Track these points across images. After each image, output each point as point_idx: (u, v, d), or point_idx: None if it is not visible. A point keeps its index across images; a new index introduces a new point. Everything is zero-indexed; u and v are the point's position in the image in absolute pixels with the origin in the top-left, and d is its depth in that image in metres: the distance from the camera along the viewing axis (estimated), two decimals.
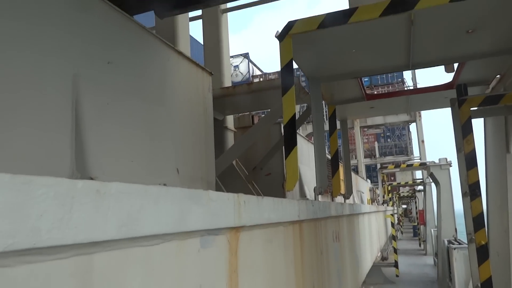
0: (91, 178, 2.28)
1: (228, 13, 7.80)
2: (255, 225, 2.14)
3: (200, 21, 7.75)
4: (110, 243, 1.07)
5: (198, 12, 7.78)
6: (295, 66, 3.85)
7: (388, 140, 44.42)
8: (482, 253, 4.24)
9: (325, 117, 6.14)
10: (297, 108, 6.29)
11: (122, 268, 1.14)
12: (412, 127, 36.24)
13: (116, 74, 2.86)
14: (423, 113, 28.27)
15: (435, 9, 3.26)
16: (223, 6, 7.60)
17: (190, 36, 6.50)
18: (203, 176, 3.90)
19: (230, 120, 7.17)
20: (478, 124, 5.52)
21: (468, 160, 4.40)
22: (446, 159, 16.50)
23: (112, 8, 3.01)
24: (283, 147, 3.68)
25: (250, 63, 40.67)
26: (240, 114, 7.78)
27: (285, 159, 3.55)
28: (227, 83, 7.38)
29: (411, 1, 3.20)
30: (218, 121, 6.59)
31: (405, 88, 35.89)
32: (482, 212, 4.32)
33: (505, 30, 3.83)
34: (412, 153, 40.08)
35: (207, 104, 4.13)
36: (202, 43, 7.95)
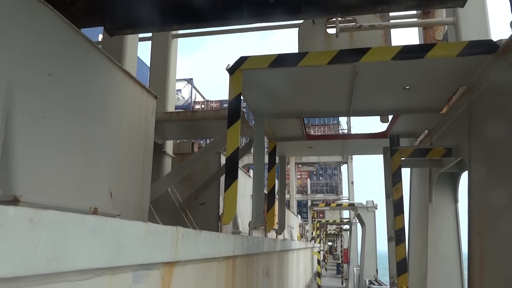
0: (15, 197, 2.09)
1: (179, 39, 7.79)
2: (191, 260, 2.07)
3: (149, 42, 7.64)
4: (37, 278, 0.97)
5: (148, 34, 7.68)
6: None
7: (320, 178, 45.93)
8: None
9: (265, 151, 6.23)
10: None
11: None
12: (344, 168, 37.83)
13: (56, 87, 2.70)
14: (354, 156, 29.65)
15: (378, 64, 3.49)
16: (174, 31, 7.57)
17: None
18: (137, 201, 3.74)
19: (169, 145, 7.02)
20: (405, 173, 5.88)
21: (396, 207, 4.64)
22: (372, 201, 17.33)
23: (59, 18, 2.88)
24: (221, 178, 3.66)
25: (193, 89, 40.58)
26: (180, 140, 7.65)
27: (225, 191, 3.51)
28: (171, 107, 7.27)
29: (358, 53, 3.40)
30: (157, 145, 6.43)
31: (340, 130, 37.62)
32: (406, 257, 4.53)
33: (435, 91, 4.18)
34: (341, 193, 41.62)
35: (149, 127, 4.02)
36: (148, 65, 7.82)
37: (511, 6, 3.17)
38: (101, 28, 3.89)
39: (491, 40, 3.26)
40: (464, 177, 4.83)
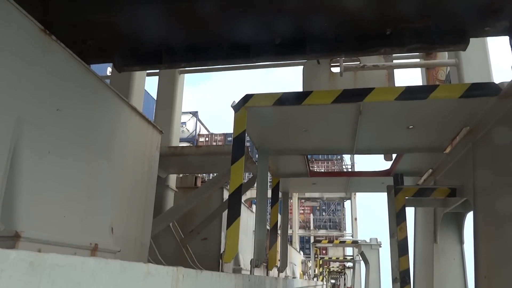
0: (16, 232, 2.08)
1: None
2: None
3: (156, 77, 7.79)
4: None
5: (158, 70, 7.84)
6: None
7: (323, 213, 45.40)
8: None
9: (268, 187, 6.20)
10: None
11: None
12: (347, 203, 37.48)
13: (63, 122, 2.74)
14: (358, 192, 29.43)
15: (382, 104, 3.52)
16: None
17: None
18: (138, 237, 3.71)
19: (172, 179, 7.01)
20: (409, 212, 5.81)
21: (400, 247, 4.56)
22: (376, 239, 17.02)
23: (70, 55, 2.96)
24: (223, 213, 3.64)
25: (198, 122, 40.92)
26: (183, 175, 7.65)
27: (227, 228, 3.48)
28: (175, 141, 7.32)
29: (361, 93, 3.44)
30: (160, 179, 6.42)
31: (344, 166, 37.50)
32: None
33: (439, 131, 4.19)
34: (345, 229, 41.02)
35: (153, 162, 4.03)
36: (155, 98, 7.94)
37: None
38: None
39: (494, 83, 3.30)
40: (470, 217, 4.77)
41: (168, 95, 7.46)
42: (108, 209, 3.02)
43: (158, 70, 7.76)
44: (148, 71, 7.31)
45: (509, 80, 3.09)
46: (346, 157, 40.23)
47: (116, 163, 3.25)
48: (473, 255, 3.75)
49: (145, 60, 3.79)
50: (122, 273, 1.31)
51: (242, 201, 9.55)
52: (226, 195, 6.93)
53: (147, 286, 1.51)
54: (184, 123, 39.46)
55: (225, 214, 5.84)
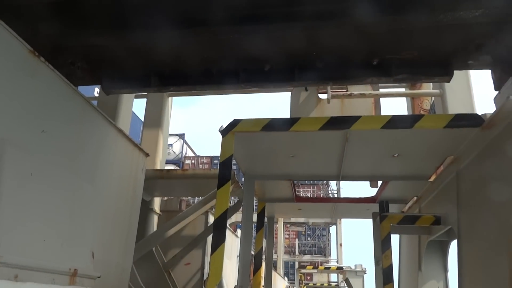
0: None
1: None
2: None
3: (144, 99, 7.78)
4: None
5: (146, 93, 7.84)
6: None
7: (309, 238, 45.10)
8: None
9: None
10: None
11: None
12: (332, 229, 37.40)
13: (48, 144, 2.70)
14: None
15: (368, 132, 3.57)
16: None
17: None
18: (120, 262, 3.62)
19: (157, 202, 6.92)
20: (394, 239, 5.81)
21: (385, 275, 4.54)
22: (361, 265, 16.92)
23: (58, 77, 2.94)
24: (207, 238, 3.59)
25: (184, 144, 40.78)
26: (168, 198, 7.56)
27: (211, 254, 3.42)
28: (161, 164, 7.26)
29: (348, 121, 3.48)
30: (145, 202, 6.33)
31: (329, 191, 37.57)
32: None
33: (424, 159, 4.25)
34: (329, 255, 40.73)
35: (138, 185, 3.98)
36: (142, 119, 7.90)
37: (493, 84, 3.33)
38: None
39: (477, 114, 3.38)
40: (454, 246, 4.79)
41: (155, 118, 7.44)
42: (90, 233, 2.95)
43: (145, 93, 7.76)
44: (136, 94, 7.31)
45: (492, 111, 3.16)
46: (332, 182, 40.37)
47: (100, 186, 3.20)
48: (457, 283, 3.75)
49: (133, 83, 3.79)
50: None
51: (228, 224, 9.45)
52: (211, 219, 6.84)
53: None
54: (171, 145, 39.27)
55: (209, 239, 5.75)
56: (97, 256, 3.09)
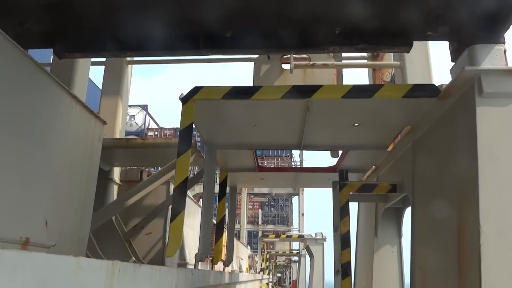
0: None
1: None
2: None
3: (103, 66, 7.46)
4: None
5: (102, 58, 7.50)
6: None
7: (272, 209, 46.00)
8: None
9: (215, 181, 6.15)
10: (189, 168, 6.20)
11: None
12: (295, 199, 38.23)
13: None
14: (305, 188, 30.09)
15: (329, 102, 3.59)
16: (129, 58, 7.46)
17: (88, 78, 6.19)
18: (76, 231, 3.53)
19: (116, 172, 6.77)
20: (353, 207, 6.00)
21: (343, 240, 4.70)
22: (322, 233, 17.50)
23: (5, 39, 2.75)
24: (169, 207, 3.57)
25: (147, 115, 39.96)
26: (128, 167, 7.41)
27: (170, 222, 3.40)
28: (121, 134, 7.07)
29: (310, 90, 3.48)
30: (104, 172, 6.18)
31: (293, 162, 38.16)
32: None
33: (382, 129, 4.35)
34: (292, 224, 41.81)
35: (95, 153, 3.86)
36: (100, 88, 7.62)
37: (451, 55, 3.40)
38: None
39: (434, 85, 3.46)
40: (408, 212, 5.00)
41: (114, 86, 7.17)
42: (43, 201, 2.85)
43: (104, 60, 7.45)
44: (93, 60, 6.99)
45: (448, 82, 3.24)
46: (296, 154, 41.01)
47: (52, 153, 3.07)
48: (410, 248, 3.94)
49: (88, 47, 3.60)
50: (48, 267, 1.22)
51: (191, 196, 9.43)
52: (172, 189, 6.79)
53: (78, 281, 1.43)
54: (133, 116, 38.38)
55: (171, 209, 5.73)
56: (51, 224, 3.00)
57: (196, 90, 3.60)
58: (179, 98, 3.63)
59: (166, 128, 40.13)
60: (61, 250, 2.95)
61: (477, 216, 2.50)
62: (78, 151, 3.51)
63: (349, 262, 4.70)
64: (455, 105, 3.13)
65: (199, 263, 4.59)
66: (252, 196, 38.24)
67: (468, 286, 2.65)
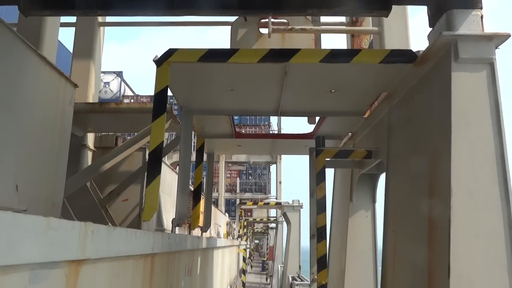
0: None
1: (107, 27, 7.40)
2: (102, 258, 1.93)
3: (73, 28, 7.14)
4: None
5: (73, 19, 7.17)
6: (169, 93, 3.76)
7: (250, 177, 46.39)
8: None
9: (192, 148, 6.11)
10: (166, 135, 6.14)
11: None
12: (273, 168, 38.61)
13: None
14: (283, 156, 30.35)
15: (307, 66, 3.55)
16: (101, 19, 7.15)
17: (59, 41, 5.94)
18: (48, 196, 3.46)
19: (90, 138, 6.63)
20: (329, 173, 6.08)
21: (319, 205, 4.77)
22: (298, 201, 17.82)
23: None
24: (145, 174, 3.53)
25: (122, 82, 38.99)
26: (102, 134, 7.26)
27: (146, 187, 3.37)
28: (94, 98, 6.87)
29: (287, 54, 3.43)
30: (77, 138, 6.03)
31: (271, 131, 38.29)
32: (326, 254, 4.68)
33: (359, 95, 4.36)
34: (269, 192, 42.38)
35: (66, 118, 3.74)
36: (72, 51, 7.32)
37: (428, 20, 3.38)
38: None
39: (411, 50, 3.45)
40: (383, 179, 5.11)
41: (86, 48, 6.90)
42: (12, 165, 2.76)
43: (74, 21, 7.12)
44: (63, 21, 6.68)
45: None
46: (274, 123, 41.07)
47: (20, 115, 2.95)
48: (383, 212, 4.04)
49: (56, 4, 3.42)
50: (14, 226, 1.18)
51: (168, 163, 9.37)
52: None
53: (48, 241, 1.40)
54: (108, 83, 37.37)
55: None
56: (22, 189, 2.92)
57: (171, 52, 3.50)
58: (153, 60, 3.53)
59: (143, 96, 39.31)
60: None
61: (449, 178, 2.56)
62: (48, 115, 3.39)
63: (325, 226, 4.80)
64: (432, 70, 3.14)
65: (176, 228, 4.61)
66: (230, 164, 38.38)
67: (438, 246, 2.74)
